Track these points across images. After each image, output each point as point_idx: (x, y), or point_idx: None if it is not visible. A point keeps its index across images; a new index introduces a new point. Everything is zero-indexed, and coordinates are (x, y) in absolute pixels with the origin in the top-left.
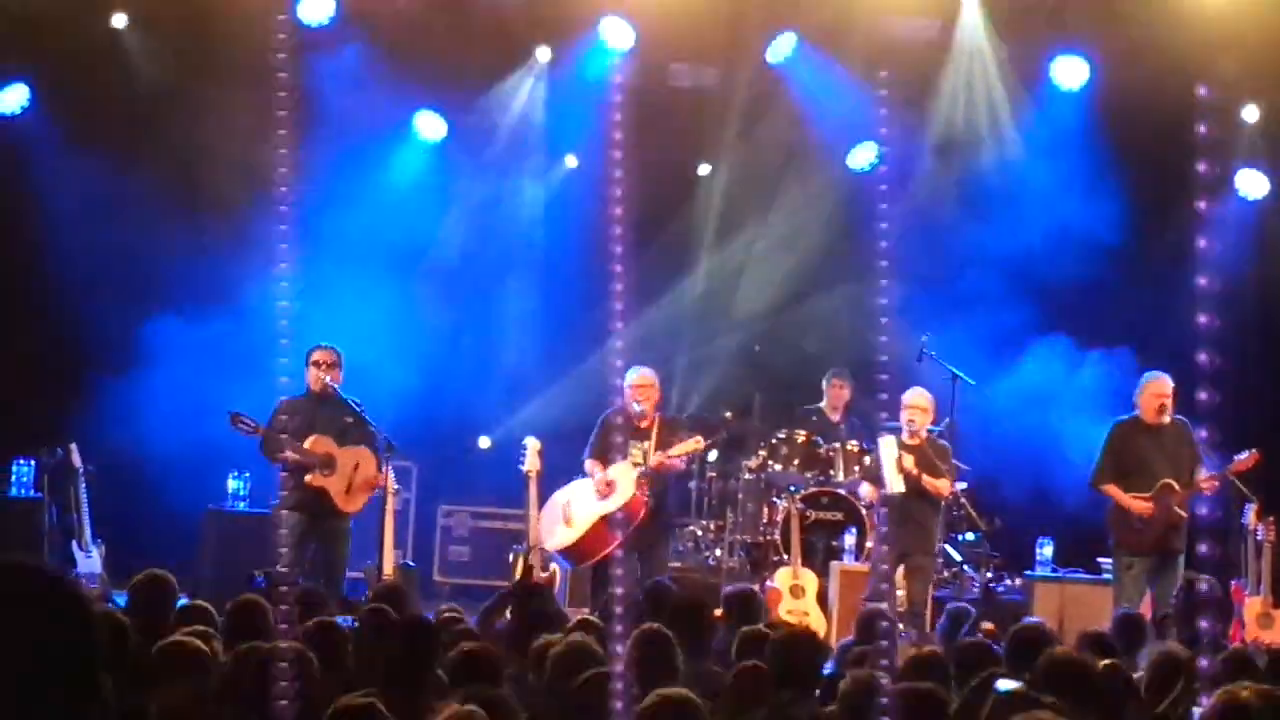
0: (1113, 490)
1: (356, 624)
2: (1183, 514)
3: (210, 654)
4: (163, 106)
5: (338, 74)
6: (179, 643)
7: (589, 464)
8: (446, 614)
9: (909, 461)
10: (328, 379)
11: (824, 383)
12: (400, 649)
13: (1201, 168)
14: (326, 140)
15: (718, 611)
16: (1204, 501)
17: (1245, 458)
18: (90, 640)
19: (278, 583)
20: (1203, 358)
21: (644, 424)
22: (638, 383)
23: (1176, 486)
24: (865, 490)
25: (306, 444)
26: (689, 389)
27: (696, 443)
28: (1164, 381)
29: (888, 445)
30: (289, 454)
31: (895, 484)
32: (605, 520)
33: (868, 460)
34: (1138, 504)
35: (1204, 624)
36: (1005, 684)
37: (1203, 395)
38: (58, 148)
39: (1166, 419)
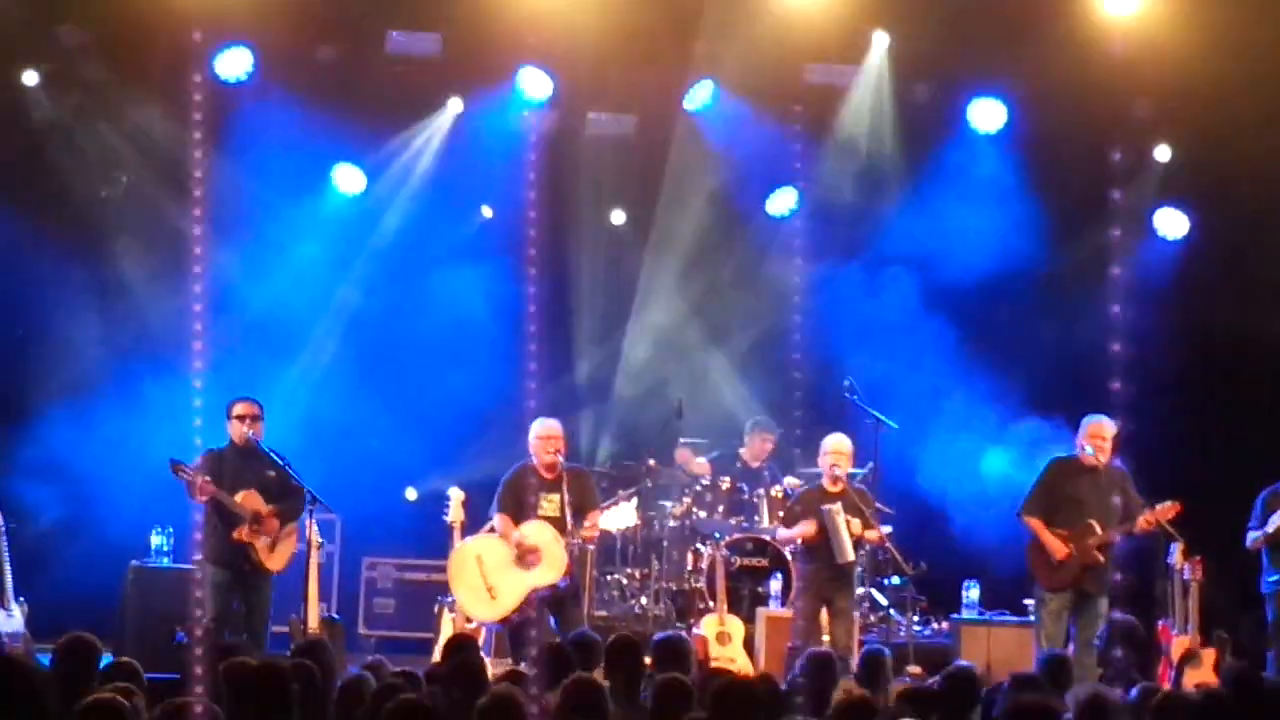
0: (1035, 523)
1: None
2: (1100, 557)
3: (133, 710)
4: (75, 164)
5: (255, 129)
6: (102, 700)
7: (500, 520)
8: (371, 667)
9: (857, 526)
10: (250, 433)
11: (746, 431)
12: (253, 698)
13: (1116, 232)
14: (244, 194)
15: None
16: (1129, 541)
17: (1166, 507)
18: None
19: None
20: (1118, 423)
21: (552, 476)
22: (544, 434)
23: (1098, 529)
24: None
25: (237, 498)
26: (614, 438)
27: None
28: (1104, 424)
29: (834, 515)
30: (222, 500)
31: (849, 553)
32: (535, 591)
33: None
34: (1053, 543)
35: (1122, 657)
36: None
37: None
38: None
39: (1100, 460)
